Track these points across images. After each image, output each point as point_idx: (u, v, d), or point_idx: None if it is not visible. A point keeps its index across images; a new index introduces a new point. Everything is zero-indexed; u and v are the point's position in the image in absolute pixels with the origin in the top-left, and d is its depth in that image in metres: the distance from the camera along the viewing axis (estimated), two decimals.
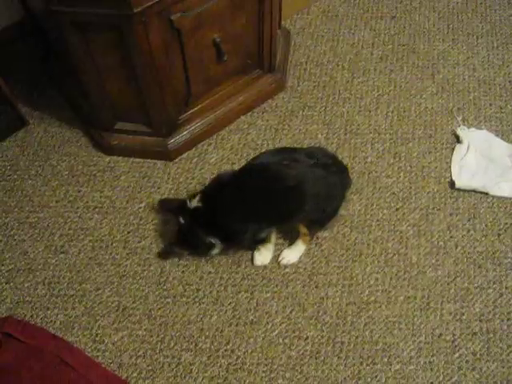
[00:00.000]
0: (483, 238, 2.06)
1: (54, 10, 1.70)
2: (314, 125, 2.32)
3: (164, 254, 2.01)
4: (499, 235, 2.08)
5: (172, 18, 1.80)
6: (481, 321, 1.90)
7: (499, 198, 2.15)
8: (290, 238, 2.03)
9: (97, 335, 1.86)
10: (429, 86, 2.46)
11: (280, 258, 2.01)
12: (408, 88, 2.45)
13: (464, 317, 1.90)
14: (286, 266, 1.98)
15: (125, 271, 1.98)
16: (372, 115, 2.35)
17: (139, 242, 2.04)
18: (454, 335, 1.87)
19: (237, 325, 1.88)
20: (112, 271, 1.98)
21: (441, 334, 1.87)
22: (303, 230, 1.95)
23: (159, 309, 1.91)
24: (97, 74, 1.92)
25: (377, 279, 1.97)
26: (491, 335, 1.87)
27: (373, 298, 1.93)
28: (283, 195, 1.78)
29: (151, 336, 1.86)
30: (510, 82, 2.49)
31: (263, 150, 2.22)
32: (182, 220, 1.86)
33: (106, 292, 1.94)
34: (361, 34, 2.62)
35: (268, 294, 1.93)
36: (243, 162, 2.20)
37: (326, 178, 1.82)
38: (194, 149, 2.24)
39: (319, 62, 2.52)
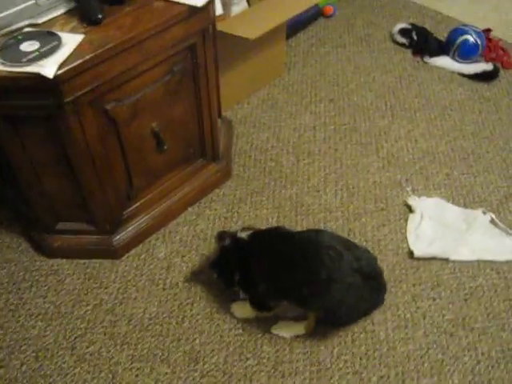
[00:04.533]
0: (450, 305, 1.94)
1: None
2: (264, 209, 2.22)
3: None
4: (466, 300, 1.96)
5: (106, 107, 1.72)
6: None
7: (460, 262, 2.06)
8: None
9: None
10: (374, 161, 2.42)
11: (274, 328, 1.87)
12: (354, 165, 2.40)
13: None
14: (246, 360, 1.80)
15: (72, 381, 1.76)
16: (321, 195, 2.28)
17: (87, 347, 1.84)
18: None
19: None
20: (58, 382, 1.76)
21: None
22: (311, 317, 1.83)
23: None
24: (32, 170, 1.80)
25: (345, 361, 1.80)
26: None
27: (344, 382, 1.75)
28: (310, 281, 1.71)
29: None
30: (452, 149, 2.48)
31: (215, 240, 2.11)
32: (227, 242, 1.85)
33: None
34: (302, 118, 2.60)
35: None
36: (194, 254, 2.07)
37: (360, 290, 1.75)
38: (141, 245, 2.10)
39: (263, 148, 2.46)
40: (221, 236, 1.89)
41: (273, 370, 1.78)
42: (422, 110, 2.67)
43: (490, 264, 2.07)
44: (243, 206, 2.23)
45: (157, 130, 1.90)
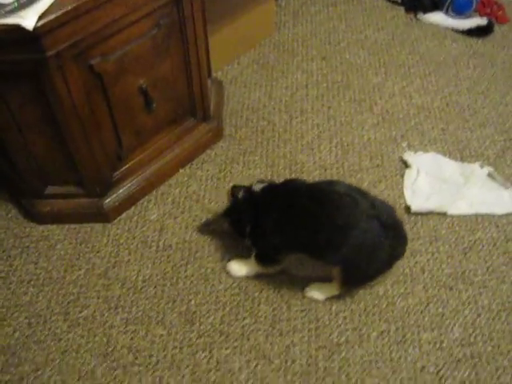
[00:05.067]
0: (449, 259, 1.89)
1: None
2: (257, 169, 2.15)
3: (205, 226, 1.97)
4: (465, 254, 1.91)
5: (91, 62, 1.63)
6: (463, 346, 1.69)
7: (458, 216, 2.00)
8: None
9: None
10: (368, 117, 2.35)
11: (306, 290, 1.81)
12: (348, 122, 2.32)
13: (444, 344, 1.70)
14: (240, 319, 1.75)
15: (67, 346, 1.70)
16: (315, 152, 2.21)
17: (81, 312, 1.78)
18: (436, 366, 1.65)
19: None
20: (52, 348, 1.70)
21: (423, 367, 1.65)
22: (337, 277, 1.74)
23: (109, 383, 1.63)
24: (18, 131, 1.72)
25: (345, 318, 1.75)
26: (476, 359, 1.66)
27: (343, 339, 1.71)
28: (326, 228, 1.63)
29: None
30: (447, 104, 2.41)
31: (208, 199, 2.05)
32: (241, 194, 1.80)
33: (46, 372, 1.66)
34: (294, 76, 2.52)
35: (228, 350, 1.69)
36: (187, 216, 2.00)
37: (379, 237, 1.64)
38: (133, 207, 2.03)
39: (255, 107, 2.38)
40: (234, 189, 1.83)
41: (270, 329, 1.73)
42: (415, 66, 2.58)
43: (489, 217, 2.01)
44: (236, 166, 2.16)
45: (144, 87, 1.82)
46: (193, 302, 1.79)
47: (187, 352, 1.68)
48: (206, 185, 2.10)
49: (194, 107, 2.10)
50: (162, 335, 1.72)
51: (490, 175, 2.13)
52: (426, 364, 1.65)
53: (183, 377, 1.64)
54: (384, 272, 1.75)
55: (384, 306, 1.78)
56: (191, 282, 1.83)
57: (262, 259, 1.80)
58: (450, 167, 2.15)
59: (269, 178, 2.11)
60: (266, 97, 2.42)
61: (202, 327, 1.73)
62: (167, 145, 2.08)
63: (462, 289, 1.82)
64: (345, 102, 2.41)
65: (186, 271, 1.86)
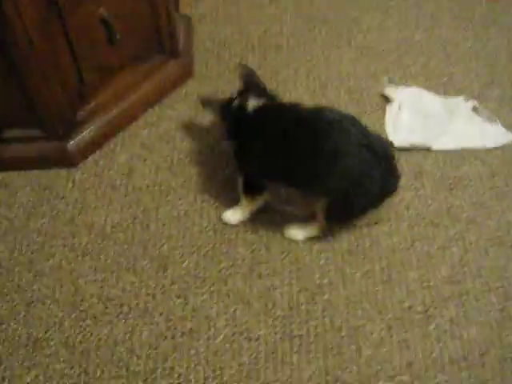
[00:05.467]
0: (435, 195, 1.78)
1: None
2: None
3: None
4: (451, 190, 1.80)
5: None
6: (451, 283, 1.60)
7: (442, 151, 1.89)
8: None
9: (4, 379, 1.45)
10: (346, 52, 2.21)
11: (285, 230, 1.70)
12: (325, 57, 2.18)
13: (431, 283, 1.60)
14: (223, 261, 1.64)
15: (32, 297, 1.57)
16: (291, 88, 2.07)
17: (46, 261, 1.64)
18: (424, 305, 1.56)
19: (173, 337, 1.50)
20: (17, 300, 1.57)
21: (410, 307, 1.55)
22: (320, 214, 1.63)
23: (78, 334, 1.51)
24: None
25: (327, 258, 1.64)
26: (465, 297, 1.57)
27: (326, 280, 1.60)
28: (313, 155, 1.51)
29: (72, 368, 1.46)
30: (428, 38, 2.28)
31: (180, 139, 1.90)
32: (235, 102, 1.68)
33: (11, 325, 1.52)
34: (267, 11, 2.36)
35: (205, 296, 1.57)
36: (157, 157, 1.86)
37: (369, 167, 1.51)
38: (98, 151, 1.88)
39: (227, 44, 2.22)
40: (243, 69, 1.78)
41: (249, 272, 1.62)
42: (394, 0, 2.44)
43: (474, 152, 1.91)
44: None
45: (106, 16, 1.65)
46: (165, 246, 1.66)
47: (161, 299, 1.56)
48: (177, 124, 1.95)
49: (161, 43, 1.94)
50: (133, 282, 1.60)
51: (474, 109, 2.02)
52: (414, 303, 1.56)
53: (157, 325, 1.52)
54: (373, 208, 1.63)
55: (368, 244, 1.67)
56: (163, 225, 1.71)
57: (247, 187, 1.67)
58: (433, 101, 2.03)
59: None
60: (237, 33, 2.26)
61: (175, 273, 1.61)
62: (134, 83, 1.92)
63: (448, 225, 1.72)
64: (321, 36, 2.26)
65: (157, 214, 1.73)
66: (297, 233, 1.68)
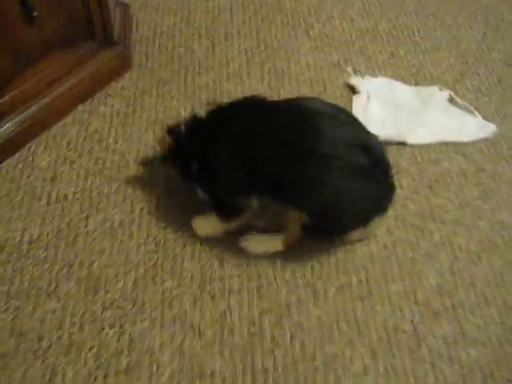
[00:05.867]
0: (414, 195, 1.52)
1: None
2: (174, 101, 1.71)
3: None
4: (431, 188, 1.55)
5: None
6: (441, 295, 1.33)
7: (419, 145, 1.64)
8: None
9: None
10: (305, 41, 1.95)
11: (241, 241, 1.39)
12: (281, 46, 1.92)
13: (419, 296, 1.32)
14: (164, 282, 1.32)
15: None
16: (244, 80, 1.79)
17: None
18: (412, 323, 1.28)
19: (105, 377, 1.17)
20: None
21: (396, 326, 1.27)
22: (292, 222, 1.33)
23: None
24: None
25: (293, 272, 1.35)
26: (459, 311, 1.30)
27: (294, 298, 1.31)
28: (299, 160, 1.23)
29: None
30: (394, 27, 2.05)
31: (114, 138, 1.60)
32: (182, 127, 1.37)
33: None
34: (215, 1, 2.09)
35: (145, 324, 1.25)
36: (86, 159, 1.55)
37: (363, 175, 1.25)
38: (17, 153, 1.55)
39: (170, 34, 1.94)
40: (170, 130, 1.39)
41: (199, 292, 1.31)
42: None
43: (454, 146, 1.67)
44: (148, 98, 1.71)
45: None
46: (96, 264, 1.34)
47: (90, 330, 1.23)
48: (110, 122, 1.64)
49: (92, 28, 1.64)
50: (54, 311, 1.26)
51: (450, 100, 1.78)
52: (400, 321, 1.27)
53: (85, 363, 1.19)
54: (361, 226, 1.34)
55: (341, 254, 1.39)
56: (93, 239, 1.38)
57: (221, 210, 1.36)
58: (404, 91, 1.79)
59: (189, 110, 1.68)
60: (182, 22, 1.98)
61: (108, 296, 1.29)
62: (60, 72, 1.60)
63: (432, 229, 1.46)
64: (276, 25, 2.00)
65: (86, 226, 1.41)
66: (258, 245, 1.38)
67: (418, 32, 2.04)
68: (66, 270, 1.32)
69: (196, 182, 1.37)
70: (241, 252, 1.38)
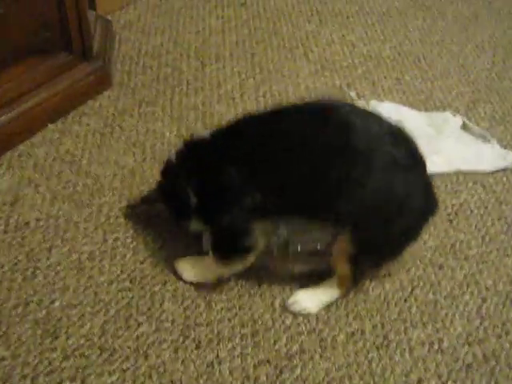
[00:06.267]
0: (432, 229, 1.31)
1: None
2: (159, 122, 1.50)
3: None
4: (451, 221, 1.35)
5: None
6: (470, 344, 1.10)
7: (435, 175, 1.43)
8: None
9: None
10: (304, 65, 1.78)
11: (290, 301, 1.13)
12: (278, 69, 1.74)
13: (445, 344, 1.10)
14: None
15: None
16: (237, 102, 1.60)
17: None
18: (439, 377, 1.05)
19: None
20: None
21: (420, 380, 1.04)
22: (343, 266, 1.10)
23: None
24: None
25: (295, 316, 1.12)
26: (492, 363, 1.08)
27: (296, 348, 1.07)
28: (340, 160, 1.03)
29: None
30: (398, 54, 1.90)
31: (87, 160, 1.39)
32: (173, 157, 1.15)
33: None
34: (206, 22, 1.92)
35: (115, 377, 1.01)
36: (54, 183, 1.33)
37: (409, 190, 1.06)
38: None
39: (156, 53, 1.75)
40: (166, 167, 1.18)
41: (182, 339, 1.07)
42: (355, 16, 2.06)
43: (472, 176, 1.48)
44: (128, 118, 1.50)
45: None
46: (57, 303, 1.09)
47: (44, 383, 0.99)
48: (84, 142, 1.43)
49: (68, 37, 1.45)
50: (3, 359, 1.02)
51: (464, 126, 1.60)
52: (424, 376, 1.04)
53: None
54: (412, 240, 1.12)
55: (351, 295, 1.16)
56: (56, 273, 1.14)
57: (223, 248, 1.12)
58: (414, 117, 1.61)
59: (174, 132, 1.48)
60: (170, 43, 1.80)
61: (70, 342, 1.04)
62: (30, 85, 1.40)
63: (454, 266, 1.25)
64: (272, 48, 1.83)
65: (48, 259, 1.17)
66: (312, 301, 1.13)
67: (424, 59, 1.88)
68: (20, 309, 1.08)
69: (196, 217, 1.13)
70: (232, 291, 1.15)
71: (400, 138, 1.08)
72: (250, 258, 1.10)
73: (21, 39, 1.33)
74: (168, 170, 1.17)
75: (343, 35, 1.94)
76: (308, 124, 1.06)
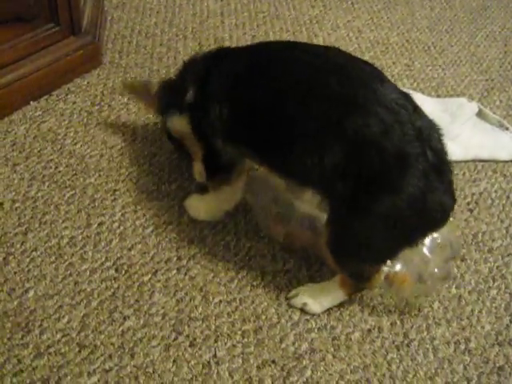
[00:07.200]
0: (453, 219, 1.17)
1: None
2: None
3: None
4: (471, 211, 1.21)
5: None
6: (501, 344, 0.95)
7: (453, 163, 1.30)
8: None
9: None
10: None
11: (291, 294, 0.99)
12: None
13: (471, 344, 0.95)
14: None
15: None
16: None
17: None
18: (468, 380, 0.89)
19: None
20: None
21: (447, 382, 0.89)
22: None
23: None
24: None
25: (303, 310, 0.97)
26: None
27: (305, 346, 0.92)
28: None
29: None
30: (407, 41, 1.76)
31: (72, 139, 1.23)
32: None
33: None
34: (203, 4, 1.78)
35: (95, 378, 0.85)
36: (34, 162, 1.18)
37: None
38: None
39: (150, 33, 1.61)
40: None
41: (174, 335, 0.91)
42: (360, 2, 1.93)
43: (491, 165, 1.34)
44: (118, 97, 1.35)
45: None
46: (31, 293, 0.94)
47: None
48: (69, 121, 1.27)
49: (53, 8, 1.29)
50: None
51: (480, 114, 1.47)
52: (451, 378, 0.90)
53: None
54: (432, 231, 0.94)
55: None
56: (31, 259, 0.98)
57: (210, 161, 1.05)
58: (429, 104, 1.46)
59: None
60: (165, 23, 1.66)
61: (44, 337, 0.88)
62: (12, 56, 1.25)
63: (478, 259, 1.10)
64: (274, 32, 1.69)
65: (23, 244, 1.01)
66: (311, 300, 0.97)
67: (434, 47, 1.75)
68: None
69: (186, 115, 1.05)
70: (232, 283, 1.00)
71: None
72: (236, 181, 1.05)
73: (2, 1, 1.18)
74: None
75: (348, 21, 1.81)
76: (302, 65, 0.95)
